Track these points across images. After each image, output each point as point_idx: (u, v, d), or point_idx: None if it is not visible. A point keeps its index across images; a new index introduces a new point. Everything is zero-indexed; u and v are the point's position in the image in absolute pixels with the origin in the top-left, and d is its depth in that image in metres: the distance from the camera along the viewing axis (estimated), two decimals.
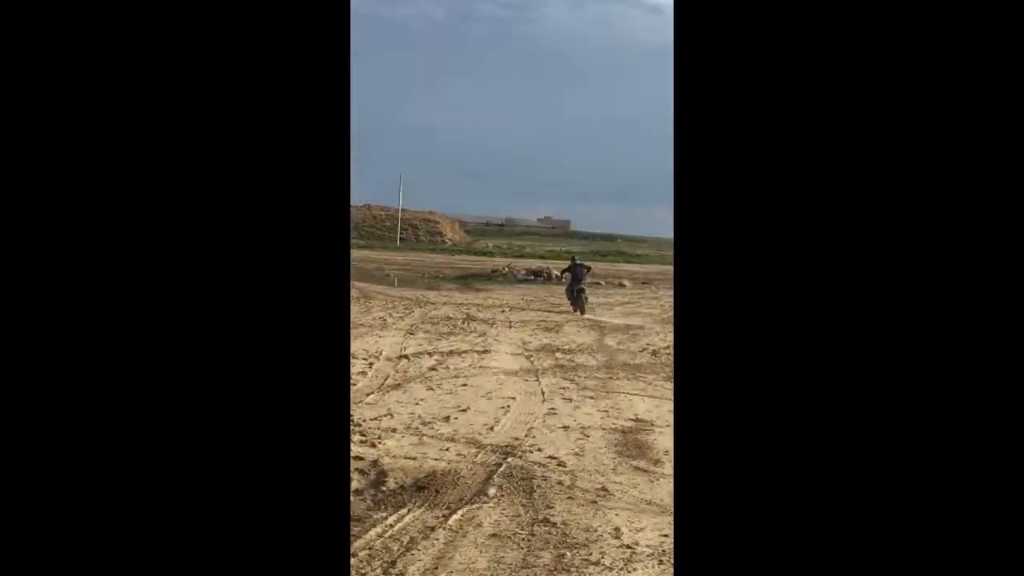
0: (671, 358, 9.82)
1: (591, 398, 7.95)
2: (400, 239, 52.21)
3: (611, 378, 9.27)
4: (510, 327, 13.86)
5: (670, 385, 7.77)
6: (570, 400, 7.81)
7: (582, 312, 16.53)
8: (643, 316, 16.54)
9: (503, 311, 16.45)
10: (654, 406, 7.70)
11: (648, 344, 12.28)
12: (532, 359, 10.46)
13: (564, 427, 6.65)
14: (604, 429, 6.67)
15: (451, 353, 10.58)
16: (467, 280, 26.07)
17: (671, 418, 5.40)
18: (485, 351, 10.94)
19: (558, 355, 10.90)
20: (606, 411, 7.35)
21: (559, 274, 19.66)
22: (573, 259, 18.25)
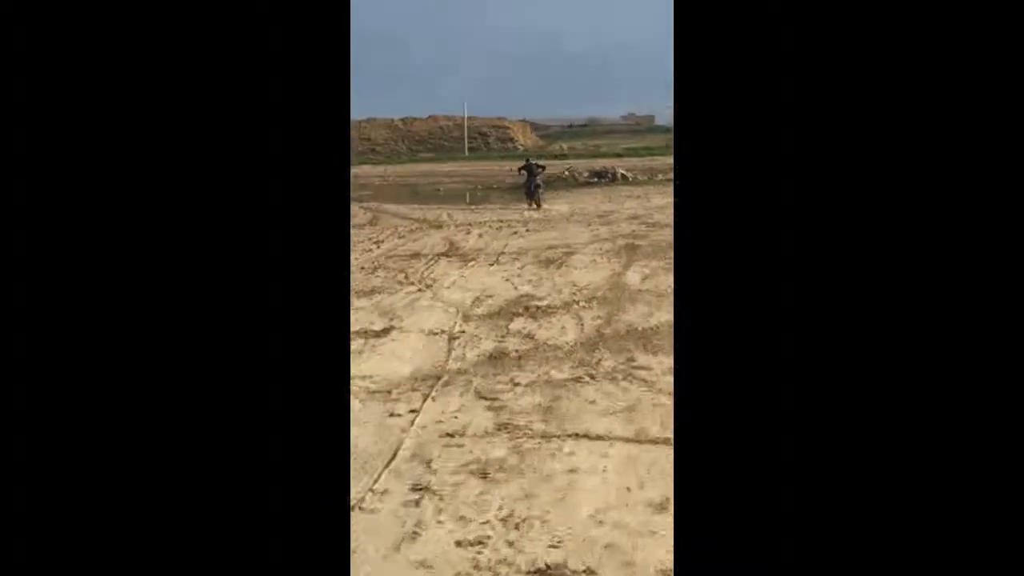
0: None
1: (491, 475, 3.85)
2: (469, 148, 50.69)
3: (580, 380, 5.14)
4: (493, 264, 10.05)
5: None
6: (426, 488, 3.74)
7: (539, 206, 18.65)
8: None
9: (518, 231, 13.25)
10: (640, 479, 3.73)
11: None
12: (458, 341, 6.29)
13: None
14: None
15: None
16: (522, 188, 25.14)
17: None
18: (387, 329, 6.74)
19: (516, 323, 6.79)
20: (494, 528, 3.40)
21: (517, 171, 21.16)
22: (527, 159, 21.10)
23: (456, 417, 4.67)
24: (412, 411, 4.79)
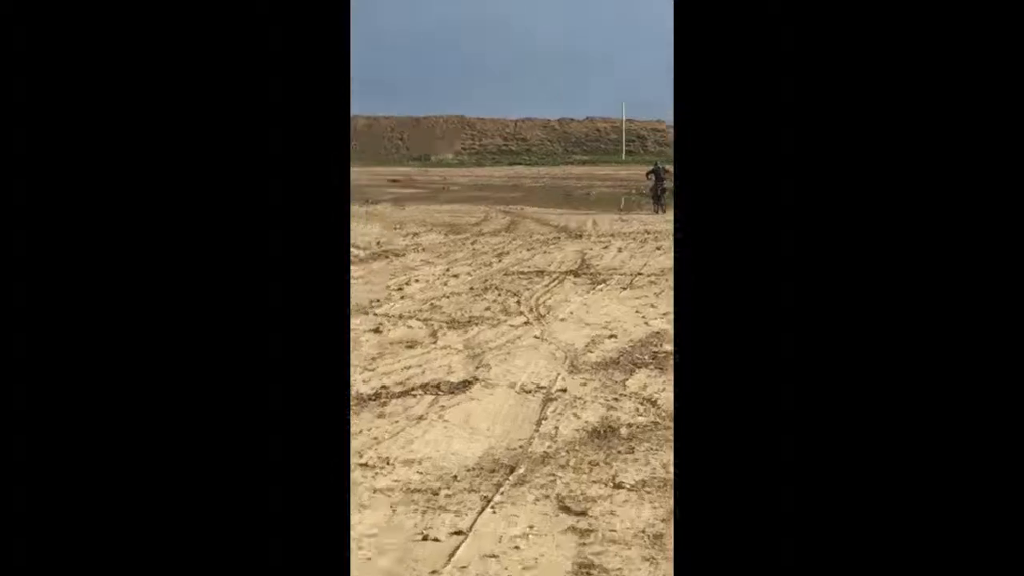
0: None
1: None
2: (626, 152, 49.82)
3: None
4: (626, 289, 8.58)
5: None
6: None
7: (664, 211, 18.79)
8: None
9: (663, 247, 11.77)
10: None
11: None
12: (554, 406, 4.86)
13: None
14: None
15: (379, 394, 5.08)
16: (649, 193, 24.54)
17: None
18: (467, 382, 5.33)
19: (637, 377, 5.39)
20: None
21: (646, 175, 21.81)
22: (656, 163, 21.22)
23: (518, 547, 3.18)
24: (457, 532, 3.31)
